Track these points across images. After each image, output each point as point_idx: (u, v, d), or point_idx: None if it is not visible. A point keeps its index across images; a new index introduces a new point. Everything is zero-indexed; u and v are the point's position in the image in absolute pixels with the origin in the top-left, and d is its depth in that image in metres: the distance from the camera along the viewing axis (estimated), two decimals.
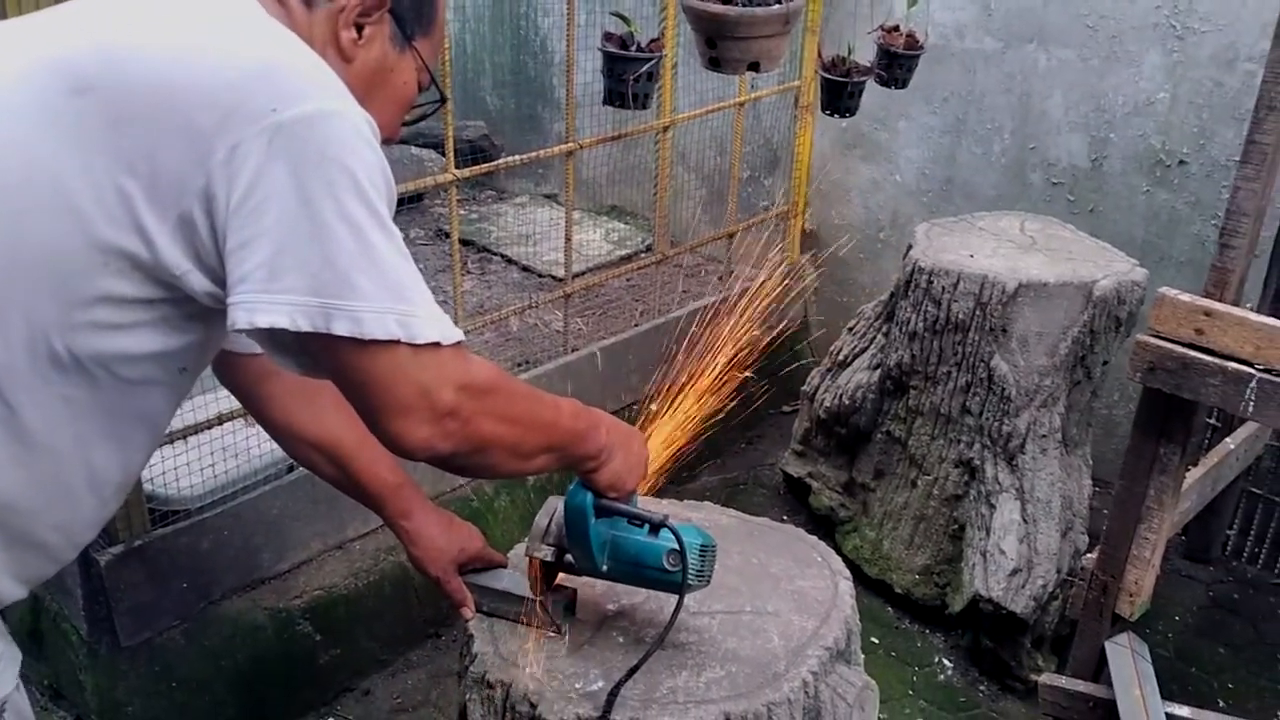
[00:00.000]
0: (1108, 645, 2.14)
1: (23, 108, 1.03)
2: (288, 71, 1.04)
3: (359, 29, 1.19)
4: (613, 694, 1.39)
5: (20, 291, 1.04)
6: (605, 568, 1.43)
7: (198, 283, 1.06)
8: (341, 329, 1.01)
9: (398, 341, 1.04)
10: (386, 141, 1.22)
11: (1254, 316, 1.81)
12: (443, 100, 1.38)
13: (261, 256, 1.00)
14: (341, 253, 1.01)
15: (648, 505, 1.52)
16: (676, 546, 1.40)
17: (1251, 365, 1.80)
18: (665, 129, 3.14)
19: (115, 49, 1.05)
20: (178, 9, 1.09)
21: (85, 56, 1.04)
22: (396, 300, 1.04)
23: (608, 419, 1.39)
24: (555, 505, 1.48)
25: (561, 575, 1.56)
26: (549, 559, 1.48)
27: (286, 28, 1.12)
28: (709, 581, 1.47)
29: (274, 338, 1.05)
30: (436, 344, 1.06)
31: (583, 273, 3.57)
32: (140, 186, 1.02)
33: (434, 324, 1.06)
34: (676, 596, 1.43)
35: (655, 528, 1.42)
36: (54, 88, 1.02)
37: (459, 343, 1.10)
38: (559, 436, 1.28)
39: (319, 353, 1.06)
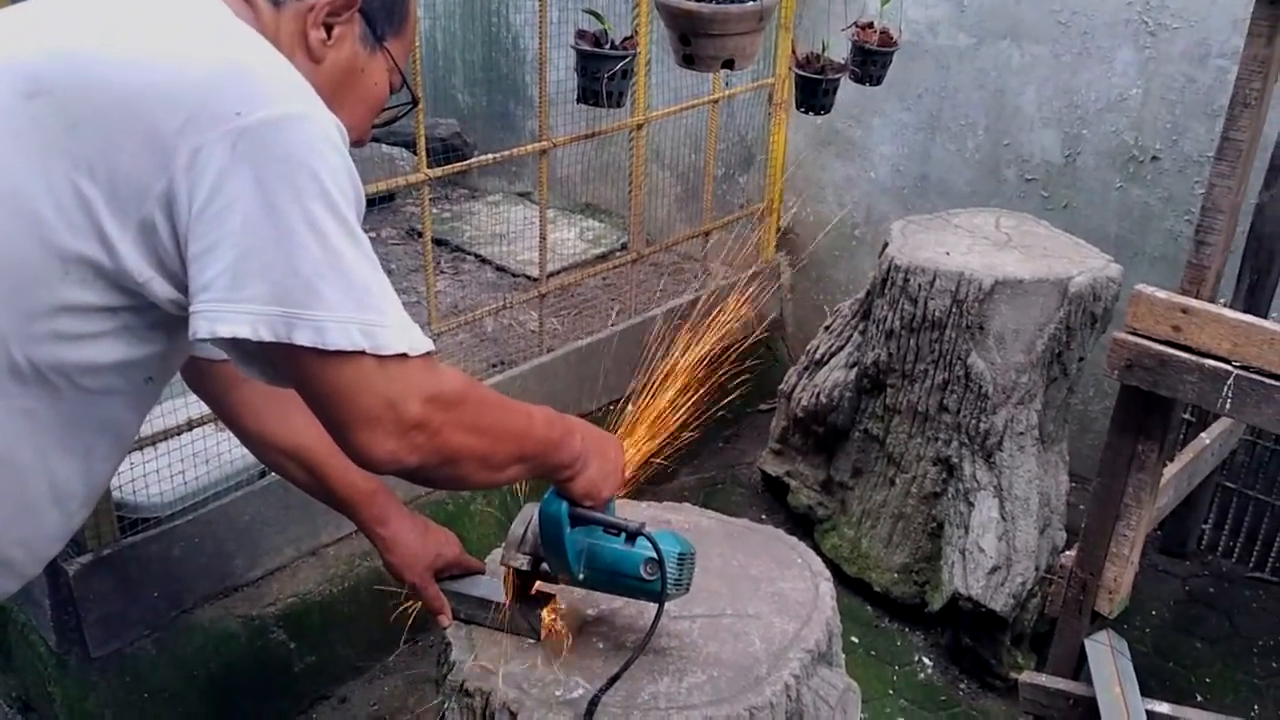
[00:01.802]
0: (1087, 643, 2.14)
1: None
2: (253, 74, 1.01)
3: (328, 29, 1.17)
4: (593, 702, 1.37)
5: None
6: (582, 576, 1.42)
7: (161, 290, 1.04)
8: (304, 339, 0.99)
9: (362, 352, 1.01)
10: (357, 143, 1.19)
11: (1230, 313, 1.82)
12: (415, 102, 1.36)
13: (224, 263, 0.98)
14: (306, 260, 0.99)
15: (627, 509, 1.50)
16: (654, 555, 1.38)
17: (1229, 362, 1.80)
18: (639, 126, 3.12)
19: (74, 51, 1.01)
20: (140, 9, 1.06)
21: (42, 59, 1.01)
22: (362, 310, 1.01)
23: (582, 426, 1.37)
24: (531, 513, 1.46)
25: (540, 582, 1.54)
26: (525, 568, 1.47)
27: (253, 29, 1.09)
28: (688, 589, 1.45)
29: (238, 346, 1.02)
30: (404, 355, 1.04)
31: (557, 272, 3.54)
32: (100, 191, 0.99)
33: (401, 334, 1.04)
34: (656, 604, 1.41)
35: (631, 536, 1.40)
36: (8, 91, 0.99)
37: (428, 353, 1.07)
38: (531, 446, 1.26)
39: (282, 363, 1.03)
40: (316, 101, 1.04)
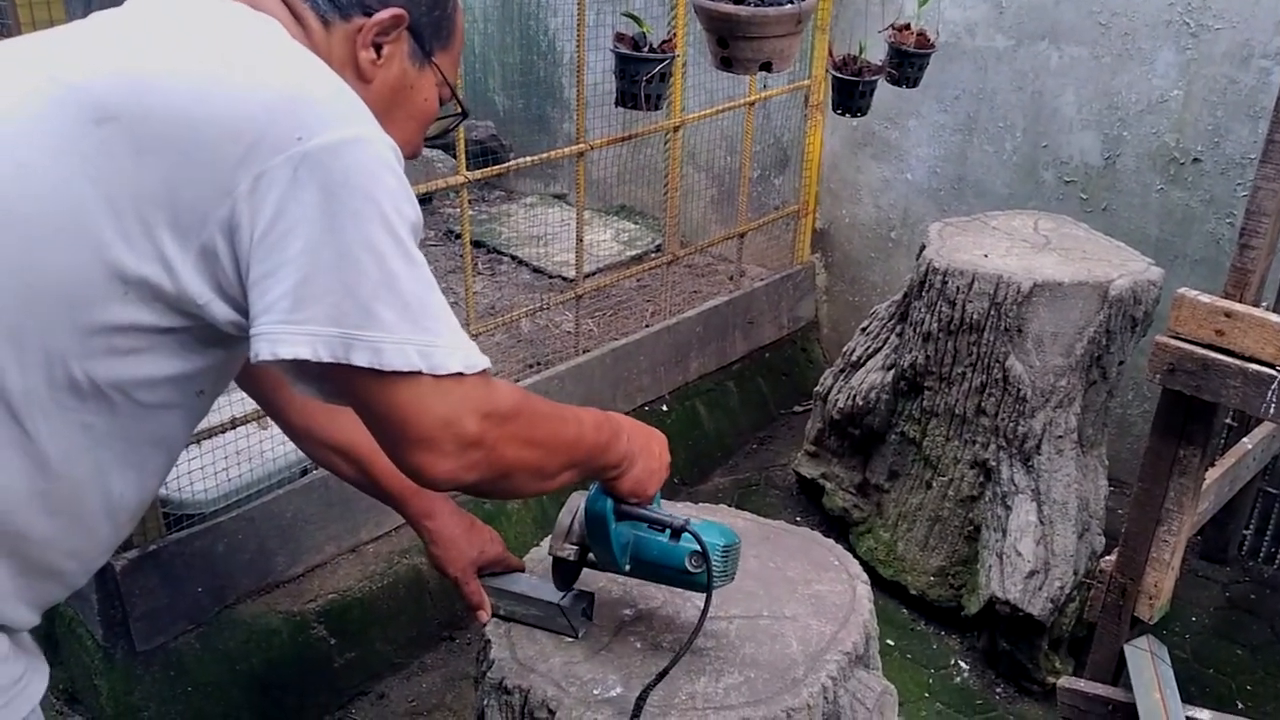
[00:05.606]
0: (1127, 648, 2.12)
1: (44, 135, 1.01)
2: (312, 99, 1.03)
3: (377, 49, 1.19)
4: (641, 697, 1.37)
5: (38, 320, 1.02)
6: (628, 568, 1.44)
7: (220, 312, 1.06)
8: (361, 360, 1.01)
9: (419, 372, 1.03)
10: (410, 157, 1.21)
11: (1275, 318, 1.80)
12: (464, 114, 1.37)
13: (285, 287, 1.00)
14: (364, 282, 1.01)
15: (667, 507, 1.51)
16: (698, 548, 1.40)
17: (1273, 367, 1.78)
18: (676, 129, 3.13)
19: (138, 77, 1.03)
20: (200, 33, 1.08)
21: (108, 84, 1.03)
22: (418, 330, 1.03)
23: (629, 425, 1.39)
24: (578, 503, 1.48)
25: (581, 577, 1.55)
26: (572, 559, 1.49)
27: (308, 49, 1.11)
28: (733, 578, 1.48)
29: (298, 367, 1.04)
30: (459, 374, 1.05)
31: (593, 273, 3.56)
32: (163, 216, 1.01)
33: (456, 353, 1.05)
34: (699, 593, 1.43)
35: (676, 533, 1.42)
36: (76, 116, 1.01)
37: (484, 370, 1.09)
38: (582, 453, 1.28)
39: (341, 383, 1.05)
40: (372, 123, 1.06)
